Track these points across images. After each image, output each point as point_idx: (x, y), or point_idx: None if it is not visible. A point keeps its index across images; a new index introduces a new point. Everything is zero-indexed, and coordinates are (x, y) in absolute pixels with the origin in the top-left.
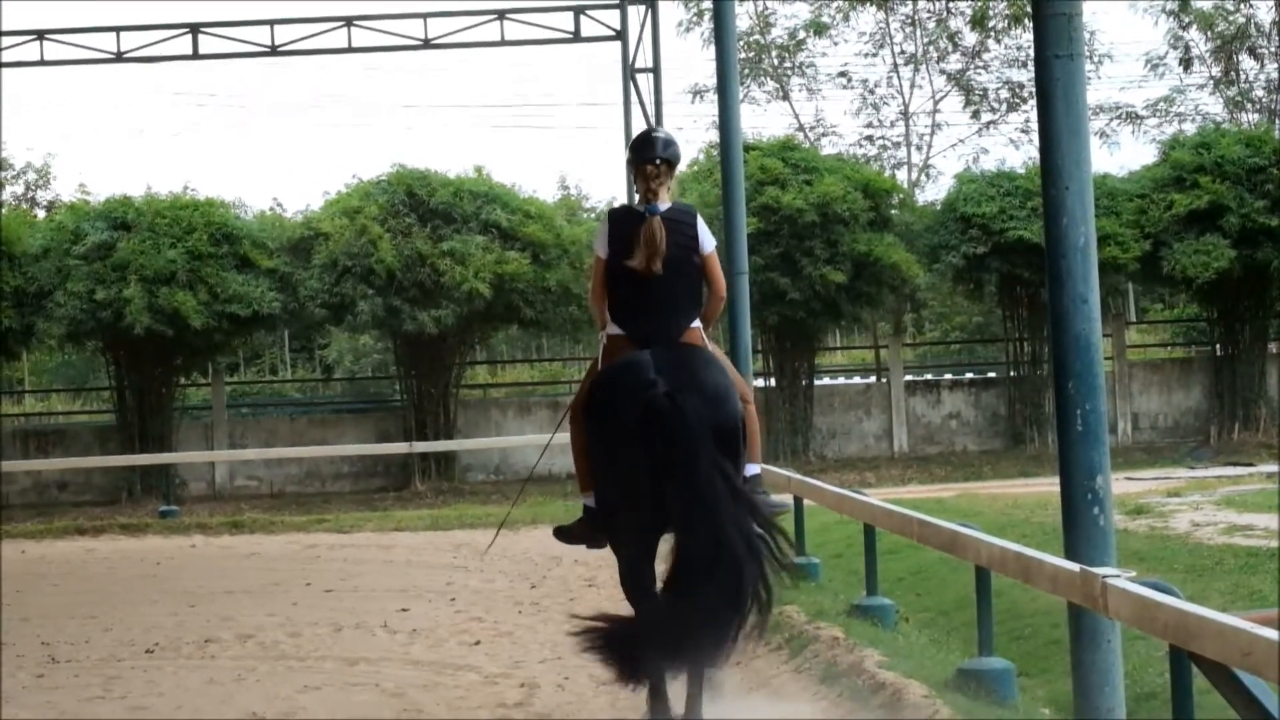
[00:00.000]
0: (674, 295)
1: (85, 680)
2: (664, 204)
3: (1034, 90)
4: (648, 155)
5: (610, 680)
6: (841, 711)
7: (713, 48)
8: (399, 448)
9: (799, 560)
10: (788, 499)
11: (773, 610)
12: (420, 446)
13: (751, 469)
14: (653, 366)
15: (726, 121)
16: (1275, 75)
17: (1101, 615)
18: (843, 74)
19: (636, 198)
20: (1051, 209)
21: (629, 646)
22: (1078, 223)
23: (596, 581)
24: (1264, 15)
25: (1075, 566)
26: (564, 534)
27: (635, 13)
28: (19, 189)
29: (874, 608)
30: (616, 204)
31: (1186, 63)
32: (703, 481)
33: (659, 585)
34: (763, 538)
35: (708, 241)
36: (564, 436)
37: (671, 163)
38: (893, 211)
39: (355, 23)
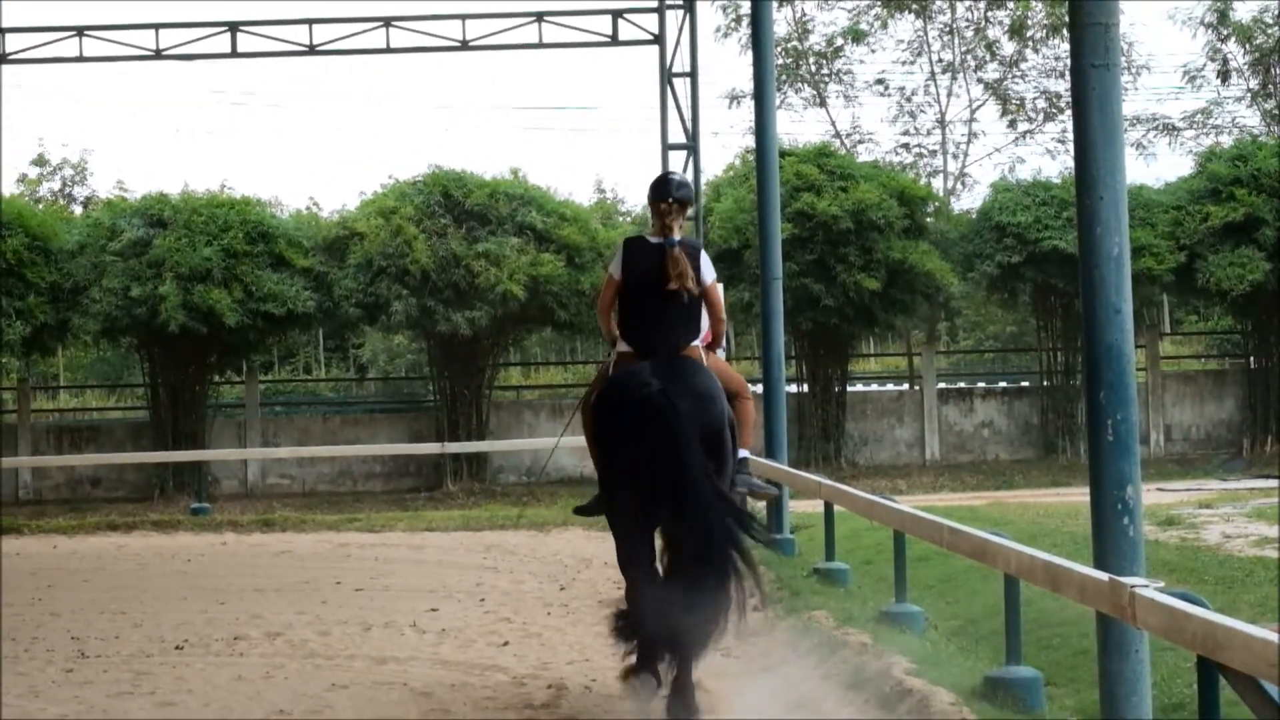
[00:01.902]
0: (676, 317)
1: (114, 676)
2: (676, 236)
3: (1070, 100)
4: (663, 195)
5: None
6: (869, 717)
7: (750, 53)
8: (431, 448)
9: (829, 565)
10: (775, 490)
11: (751, 585)
12: (453, 447)
13: (741, 453)
14: (651, 371)
15: (763, 127)
16: None
17: (1130, 625)
18: (880, 81)
19: (651, 229)
20: (1086, 218)
21: (632, 626)
22: (1111, 232)
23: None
24: None
25: (1104, 576)
26: (583, 510)
27: (673, 17)
28: (55, 185)
29: (903, 614)
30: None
31: (1224, 75)
32: (691, 469)
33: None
34: (739, 520)
35: (709, 274)
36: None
37: (684, 202)
38: (928, 219)
39: (393, 23)
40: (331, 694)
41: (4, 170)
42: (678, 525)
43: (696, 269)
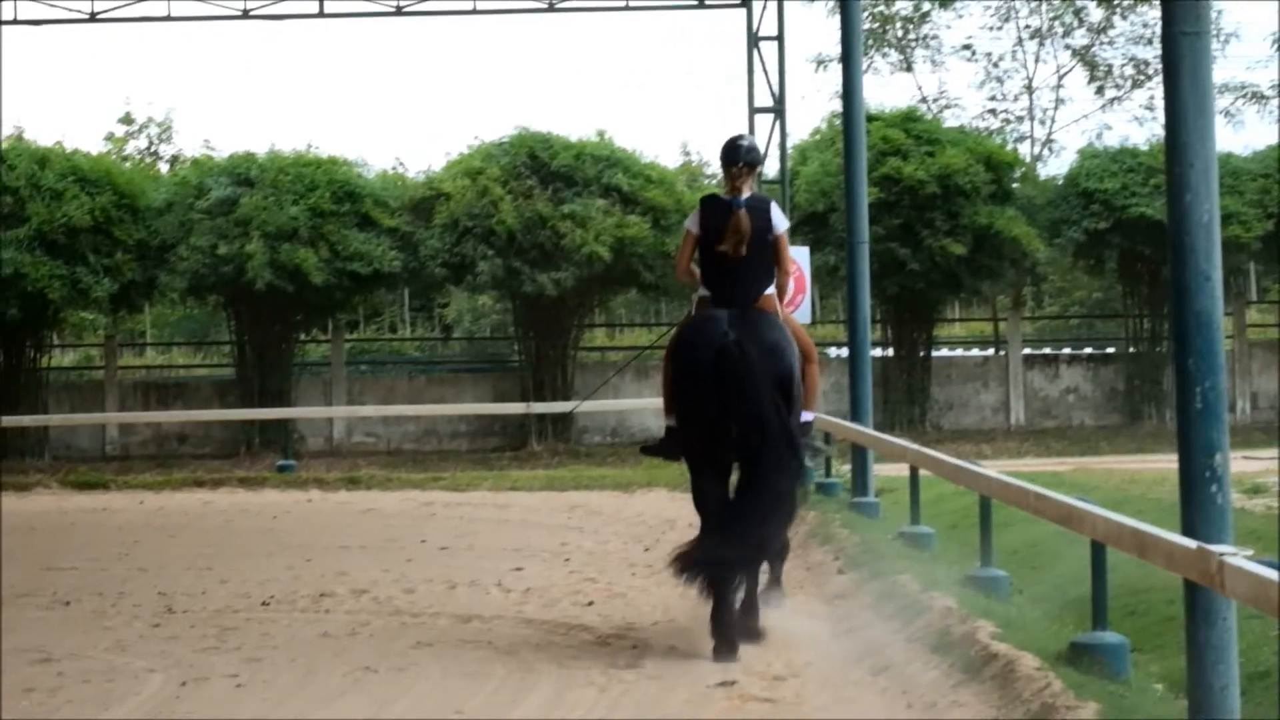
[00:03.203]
0: (751, 268)
1: (201, 631)
2: (745, 195)
3: (1159, 67)
4: (733, 159)
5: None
6: (953, 681)
7: (837, 17)
8: (517, 408)
9: (914, 529)
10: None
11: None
12: (538, 407)
13: (806, 416)
14: (727, 322)
15: (850, 92)
16: None
17: (1218, 593)
18: (967, 47)
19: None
20: (1175, 186)
21: (700, 552)
22: (1201, 200)
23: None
24: None
25: (1192, 543)
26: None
27: None
28: (142, 143)
29: (988, 579)
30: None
31: None
32: (762, 412)
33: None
34: (798, 459)
35: (780, 224)
36: None
37: (752, 165)
38: (1014, 185)
39: None
40: (416, 651)
41: (88, 127)
42: (742, 460)
43: (766, 223)
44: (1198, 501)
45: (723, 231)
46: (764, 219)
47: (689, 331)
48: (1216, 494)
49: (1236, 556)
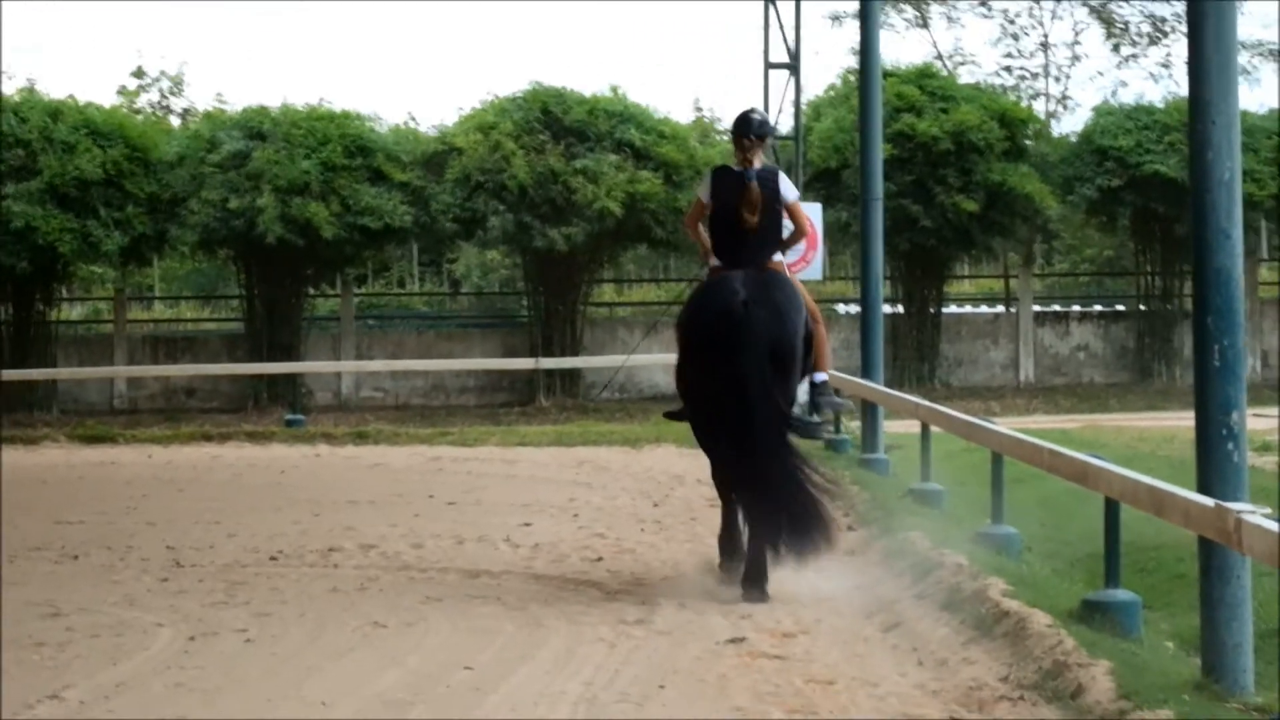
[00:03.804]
0: (760, 236)
1: (209, 585)
2: (756, 166)
3: (1175, 24)
4: (745, 132)
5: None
6: (964, 638)
7: None
8: (525, 363)
9: (924, 486)
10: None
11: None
12: (547, 363)
13: (820, 376)
14: (741, 281)
15: (866, 48)
16: None
17: (1234, 551)
18: (983, 3)
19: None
20: (1198, 143)
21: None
22: (1223, 157)
23: (719, 500)
24: None
25: (1210, 502)
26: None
27: None
28: (154, 96)
29: (999, 536)
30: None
31: None
32: (758, 367)
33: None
34: (794, 430)
35: (790, 193)
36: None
37: (763, 137)
38: (1028, 142)
39: None
40: (426, 607)
41: (100, 81)
42: (737, 435)
43: (775, 193)
44: (1214, 459)
45: (735, 202)
46: (772, 189)
47: (702, 293)
48: (1233, 452)
49: (1255, 515)
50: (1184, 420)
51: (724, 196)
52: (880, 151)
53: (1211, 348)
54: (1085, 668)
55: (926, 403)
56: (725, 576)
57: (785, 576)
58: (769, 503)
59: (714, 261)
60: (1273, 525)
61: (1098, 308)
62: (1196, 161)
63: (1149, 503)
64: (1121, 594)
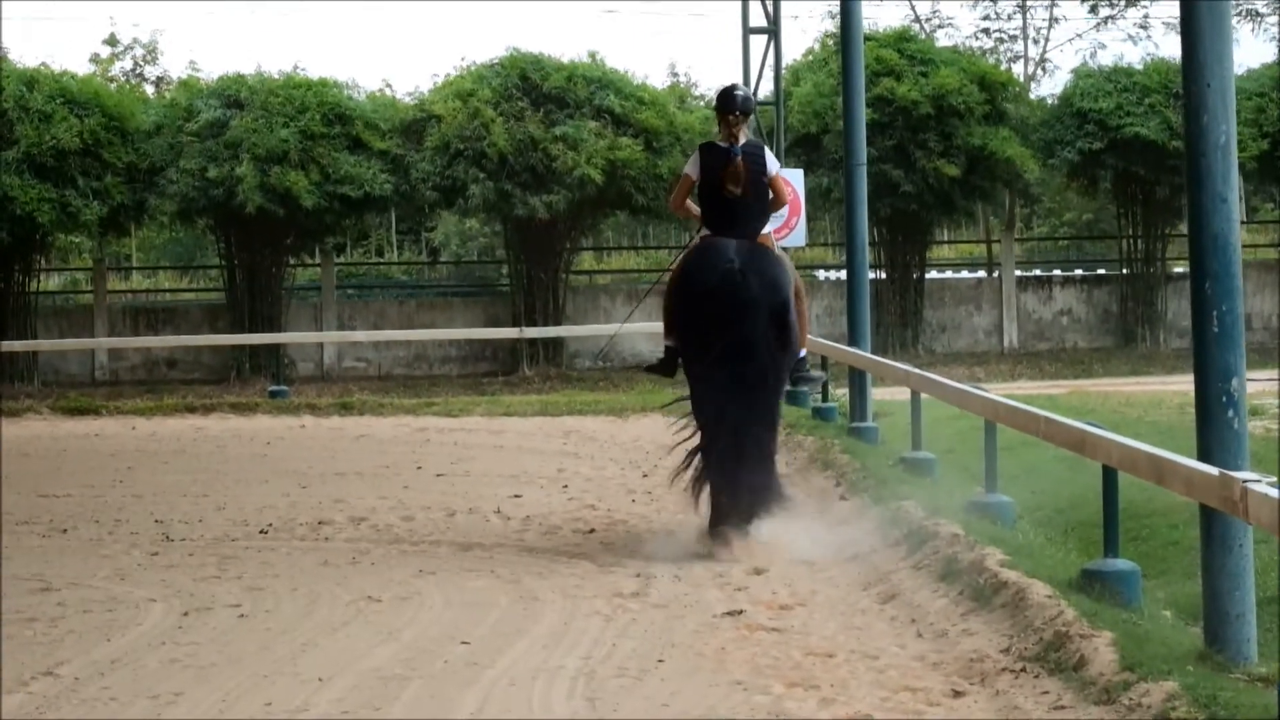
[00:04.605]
0: (748, 209)
1: (200, 559)
2: (741, 141)
3: None
4: (729, 108)
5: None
6: (963, 609)
7: None
8: (509, 333)
9: (915, 454)
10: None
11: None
12: (531, 332)
13: (800, 352)
14: (735, 250)
15: (848, 12)
16: None
17: (1238, 519)
18: None
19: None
20: (1192, 106)
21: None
22: (1219, 120)
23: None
24: None
25: (1214, 470)
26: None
27: None
28: (127, 65)
29: (993, 505)
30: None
31: None
32: (755, 334)
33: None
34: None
35: (773, 166)
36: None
37: (747, 113)
38: (1008, 105)
39: None
40: (419, 580)
41: (72, 49)
42: (734, 383)
43: (761, 167)
44: (1214, 426)
45: (722, 176)
46: (758, 163)
47: (696, 254)
48: (1233, 419)
49: (1260, 483)
50: (1169, 385)
51: (712, 172)
52: (864, 116)
53: (1210, 314)
54: (1087, 639)
55: (918, 370)
56: (718, 543)
57: (782, 548)
58: (744, 469)
59: (704, 233)
60: (1277, 493)
61: (1079, 272)
62: (1191, 125)
63: (1149, 471)
64: (1121, 563)
